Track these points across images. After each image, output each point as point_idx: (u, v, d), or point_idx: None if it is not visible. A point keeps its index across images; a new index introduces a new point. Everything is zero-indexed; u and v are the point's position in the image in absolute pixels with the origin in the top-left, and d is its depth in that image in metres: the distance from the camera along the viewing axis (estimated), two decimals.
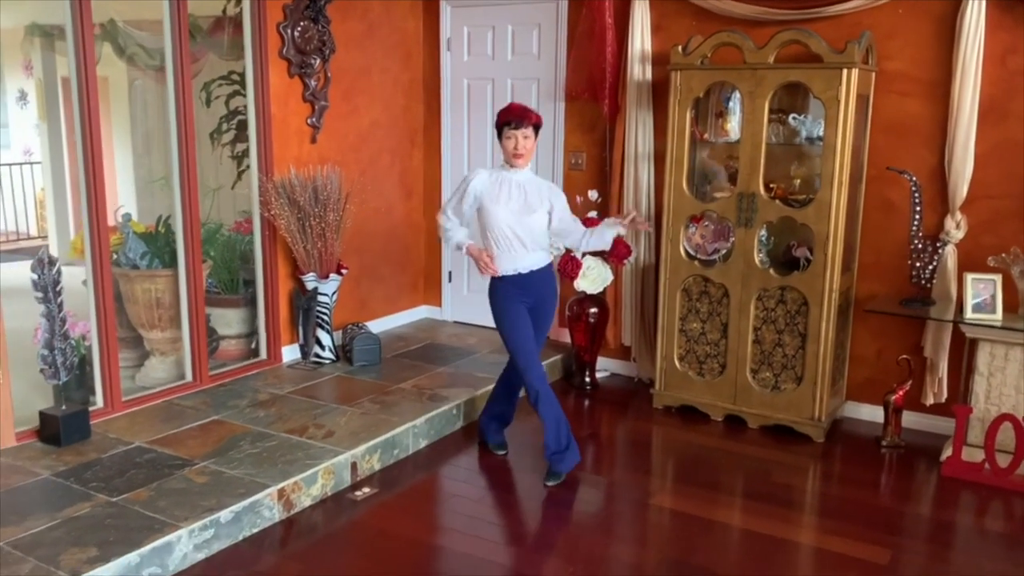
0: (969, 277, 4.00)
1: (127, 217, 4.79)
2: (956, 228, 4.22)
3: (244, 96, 4.87)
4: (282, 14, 4.81)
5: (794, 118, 4.42)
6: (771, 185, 4.46)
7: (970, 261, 4.19)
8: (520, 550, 3.40)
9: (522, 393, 4.09)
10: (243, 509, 3.33)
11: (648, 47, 4.89)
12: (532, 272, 3.83)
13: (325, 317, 5.04)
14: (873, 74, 4.36)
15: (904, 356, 4.31)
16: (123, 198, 5.52)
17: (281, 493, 3.49)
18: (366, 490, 3.79)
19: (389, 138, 5.73)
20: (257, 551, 3.27)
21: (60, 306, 3.82)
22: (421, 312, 6.24)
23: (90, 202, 4.06)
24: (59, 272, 3.80)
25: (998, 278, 3.96)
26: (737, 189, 4.40)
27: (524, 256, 3.80)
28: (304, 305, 5.03)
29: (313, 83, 5.04)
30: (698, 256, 4.63)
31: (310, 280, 4.96)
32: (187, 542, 3.12)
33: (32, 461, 3.67)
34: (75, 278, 4.27)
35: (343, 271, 5.06)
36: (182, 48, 4.36)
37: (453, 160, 5.96)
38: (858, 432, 4.52)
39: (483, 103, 5.73)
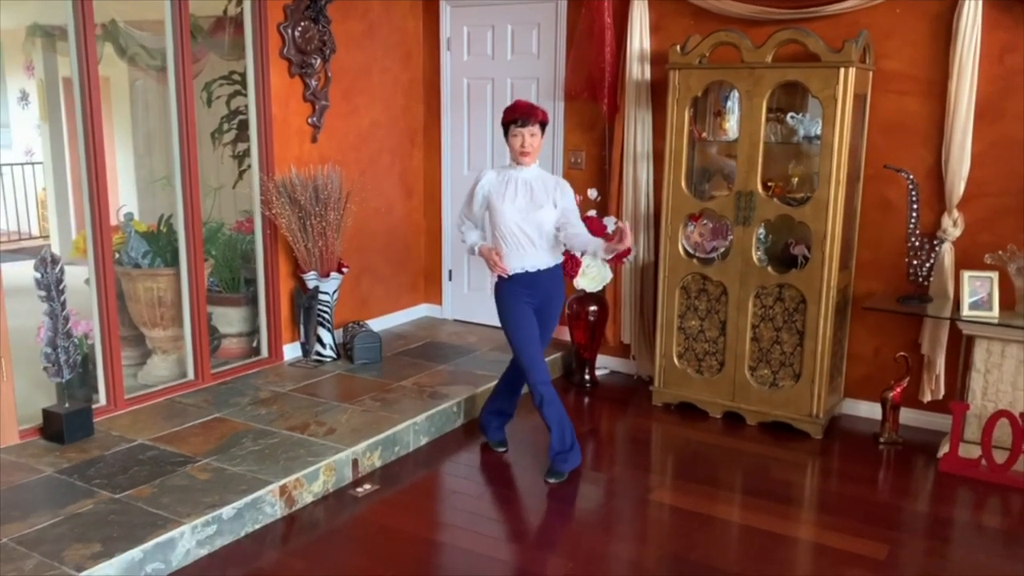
0: (966, 275, 4.02)
1: (129, 216, 4.81)
2: (953, 226, 4.24)
3: (245, 96, 4.89)
4: (283, 14, 4.84)
5: (792, 117, 4.44)
6: (769, 183, 4.48)
7: (967, 259, 4.21)
8: (520, 546, 3.43)
9: (524, 390, 4.10)
10: (245, 505, 3.35)
11: (647, 46, 4.92)
12: (540, 271, 3.82)
13: (326, 315, 5.06)
14: (870, 73, 4.38)
15: (901, 353, 4.34)
16: (124, 198, 5.55)
17: (283, 490, 3.51)
18: (367, 487, 3.81)
19: (389, 138, 5.75)
20: (259, 547, 3.30)
21: (63, 304, 3.85)
22: (421, 310, 6.27)
23: (92, 202, 4.08)
24: (62, 271, 3.83)
25: (995, 275, 3.98)
26: (735, 188, 4.42)
27: (532, 254, 3.78)
28: (305, 304, 5.06)
29: (314, 83, 5.06)
30: (697, 254, 4.65)
31: (311, 279, 4.98)
32: (190, 538, 3.14)
33: (35, 458, 3.70)
34: (77, 277, 4.29)
35: (344, 270, 5.08)
36: (183, 48, 4.38)
37: (453, 160, 5.98)
38: (856, 429, 4.54)
39: (483, 103, 5.76)
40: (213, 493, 3.38)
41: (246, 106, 4.89)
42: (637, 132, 4.98)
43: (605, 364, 5.44)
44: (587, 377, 5.20)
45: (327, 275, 4.97)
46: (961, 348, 4.20)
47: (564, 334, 5.37)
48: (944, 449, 4.11)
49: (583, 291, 5.02)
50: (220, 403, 4.40)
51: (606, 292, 5.12)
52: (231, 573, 3.12)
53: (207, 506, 3.27)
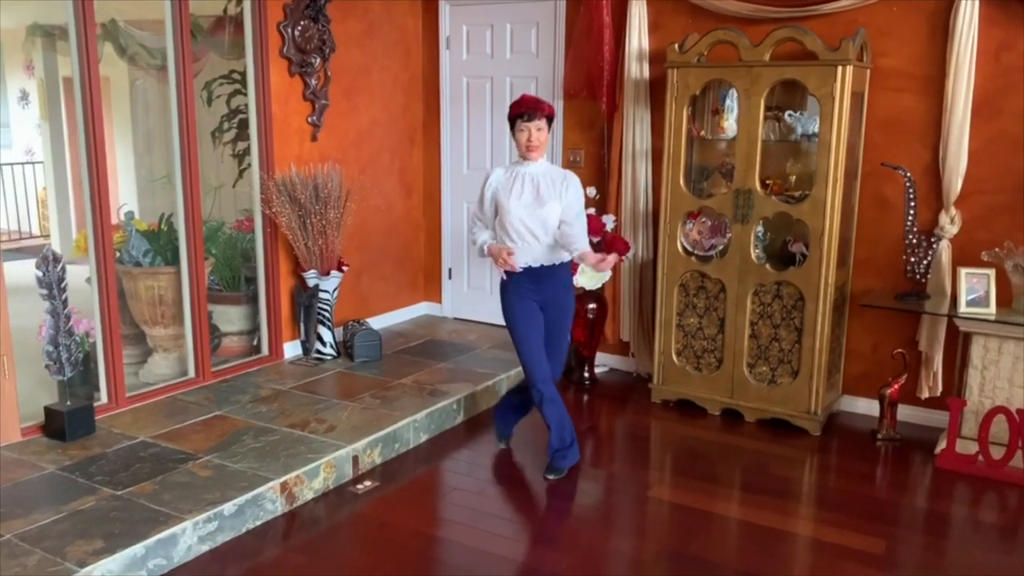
0: (963, 272, 4.05)
1: (130, 215, 4.83)
2: (950, 223, 4.26)
3: (245, 95, 4.91)
4: (282, 13, 4.86)
5: (790, 115, 4.46)
6: (767, 181, 4.50)
7: (964, 256, 4.23)
8: (520, 542, 3.45)
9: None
10: (246, 502, 3.37)
11: (645, 45, 4.93)
12: (543, 267, 3.76)
13: (326, 314, 5.08)
14: (868, 71, 4.40)
15: (899, 350, 4.36)
16: (125, 197, 5.56)
17: (284, 486, 3.53)
18: (367, 483, 3.83)
19: (389, 136, 5.77)
20: (260, 543, 3.32)
21: (65, 303, 3.87)
22: (421, 309, 6.29)
23: (93, 200, 4.10)
24: (64, 269, 3.84)
25: (992, 272, 4.00)
26: (734, 185, 4.44)
27: (537, 250, 3.72)
28: (305, 302, 5.08)
29: (313, 82, 5.08)
30: (695, 252, 4.67)
31: (311, 277, 5.00)
32: (191, 534, 3.16)
33: (38, 456, 3.72)
34: (78, 276, 4.31)
35: (344, 268, 5.10)
36: (184, 47, 4.40)
37: (452, 158, 6.00)
38: (854, 425, 4.56)
39: (482, 101, 5.77)
40: (214, 490, 3.40)
41: (246, 105, 4.90)
42: (636, 130, 5.00)
43: (604, 362, 5.45)
44: (586, 374, 5.22)
45: (327, 273, 4.99)
46: (958, 345, 4.22)
47: None
48: (941, 445, 4.13)
49: (582, 289, 5.04)
50: (221, 401, 4.42)
51: (605, 290, 5.14)
52: (232, 569, 3.14)
53: (208, 502, 3.29)
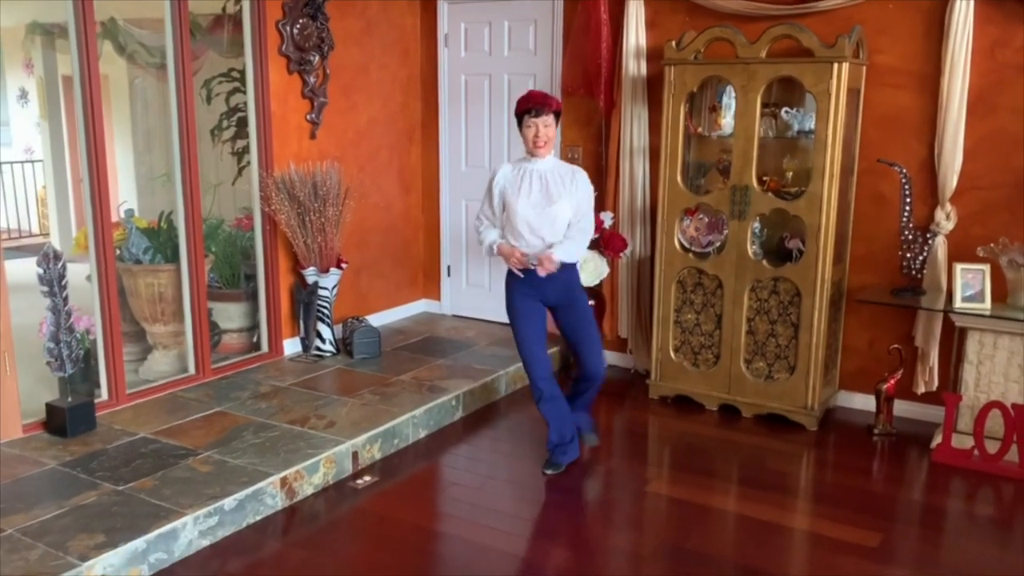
0: (959, 267, 4.07)
1: (130, 213, 4.85)
2: (946, 219, 4.28)
3: (244, 93, 4.93)
4: (281, 12, 4.87)
5: (786, 112, 4.48)
6: (764, 178, 4.52)
7: (960, 251, 4.25)
8: (519, 536, 3.46)
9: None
10: (247, 497, 3.40)
11: (642, 43, 4.95)
12: None
13: (325, 311, 5.10)
14: (864, 68, 4.42)
15: (895, 345, 4.38)
16: (124, 195, 5.57)
17: (284, 481, 3.56)
18: (367, 478, 3.86)
19: (387, 134, 5.79)
20: (261, 538, 3.34)
21: (65, 300, 3.89)
22: (420, 306, 6.30)
23: (94, 198, 4.12)
24: (64, 266, 3.86)
25: (987, 268, 4.02)
26: (731, 182, 4.46)
27: (544, 250, 3.64)
28: (305, 299, 5.10)
29: (312, 80, 5.10)
30: (692, 248, 4.69)
31: (310, 274, 5.02)
32: (192, 529, 3.19)
33: (39, 452, 3.74)
34: (78, 275, 4.32)
35: (343, 265, 5.12)
36: (183, 46, 4.42)
37: (451, 156, 6.01)
38: (850, 420, 4.59)
39: (480, 99, 5.79)
40: (215, 485, 3.42)
41: (245, 103, 4.92)
42: (633, 127, 5.02)
43: None
44: None
45: (326, 271, 5.01)
46: (954, 340, 4.25)
47: None
48: (937, 440, 4.16)
49: None
50: (221, 397, 4.44)
51: (603, 286, 5.16)
52: (233, 563, 3.16)
53: (209, 497, 3.31)
